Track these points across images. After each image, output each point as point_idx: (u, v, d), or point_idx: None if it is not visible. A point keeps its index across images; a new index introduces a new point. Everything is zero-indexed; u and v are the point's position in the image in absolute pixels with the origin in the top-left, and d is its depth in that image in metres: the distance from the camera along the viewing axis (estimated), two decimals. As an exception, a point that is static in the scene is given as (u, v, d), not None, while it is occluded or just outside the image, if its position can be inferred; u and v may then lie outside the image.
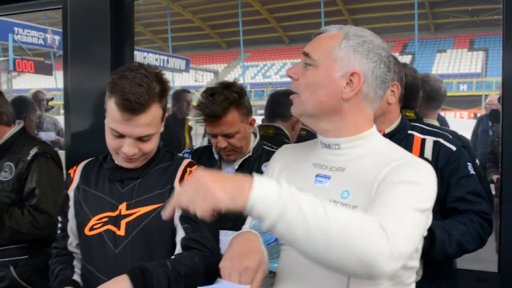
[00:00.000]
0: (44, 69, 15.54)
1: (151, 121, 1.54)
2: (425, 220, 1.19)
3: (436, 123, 2.77)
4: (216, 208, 1.03)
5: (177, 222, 1.61)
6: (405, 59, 26.13)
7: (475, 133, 5.84)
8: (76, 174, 1.75)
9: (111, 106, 1.52)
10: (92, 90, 2.49)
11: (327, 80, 1.28)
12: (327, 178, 1.31)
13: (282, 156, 1.50)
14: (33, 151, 2.33)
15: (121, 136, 1.55)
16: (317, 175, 1.34)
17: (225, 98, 2.01)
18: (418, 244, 1.20)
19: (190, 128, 5.68)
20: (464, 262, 2.45)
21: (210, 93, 2.05)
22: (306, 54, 1.33)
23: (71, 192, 1.73)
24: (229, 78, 28.09)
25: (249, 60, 30.21)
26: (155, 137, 1.61)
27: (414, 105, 2.40)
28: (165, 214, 1.13)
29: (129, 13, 2.54)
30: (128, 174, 1.66)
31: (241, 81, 24.35)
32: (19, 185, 2.30)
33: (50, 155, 2.38)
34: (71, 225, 1.73)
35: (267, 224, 1.04)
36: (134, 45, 2.57)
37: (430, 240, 1.58)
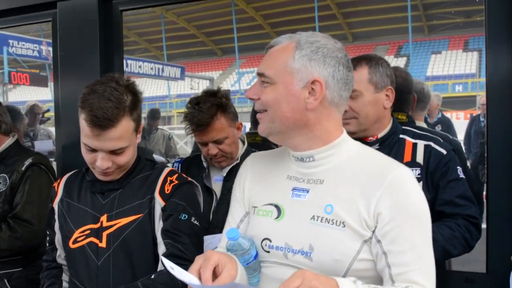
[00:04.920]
0: (39, 81, 15.46)
1: (121, 134, 1.53)
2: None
3: (423, 125, 2.78)
4: None
5: (158, 235, 1.60)
6: (400, 61, 26.16)
7: (468, 134, 5.81)
8: (60, 187, 1.74)
9: (82, 122, 1.52)
10: (82, 101, 2.48)
11: (288, 95, 1.23)
12: (305, 191, 1.27)
13: (252, 167, 1.43)
14: (28, 161, 2.34)
15: (94, 150, 1.54)
16: (294, 188, 1.28)
17: (211, 105, 2.02)
18: None
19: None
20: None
21: (195, 102, 2.05)
22: (261, 75, 1.27)
23: (55, 205, 1.73)
24: (225, 85, 28.05)
25: (244, 67, 30.08)
26: (129, 150, 1.59)
27: (406, 107, 2.39)
28: None
29: (117, 23, 2.52)
30: (109, 185, 1.65)
31: (236, 88, 24.36)
32: (11, 195, 2.30)
33: (44, 166, 2.38)
34: (58, 238, 1.72)
35: None
36: (123, 54, 2.55)
37: None
